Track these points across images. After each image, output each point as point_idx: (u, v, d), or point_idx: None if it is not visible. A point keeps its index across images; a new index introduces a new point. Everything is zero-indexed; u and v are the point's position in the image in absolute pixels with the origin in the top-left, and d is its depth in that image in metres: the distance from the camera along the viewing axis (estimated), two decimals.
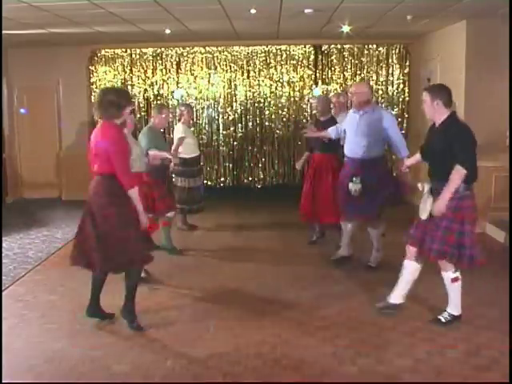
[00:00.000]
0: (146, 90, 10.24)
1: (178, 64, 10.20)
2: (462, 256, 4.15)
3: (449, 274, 4.33)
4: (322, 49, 10.04)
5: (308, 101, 10.18)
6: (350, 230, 5.85)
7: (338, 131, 6.06)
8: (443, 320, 4.37)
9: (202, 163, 8.83)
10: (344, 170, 5.71)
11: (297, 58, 10.10)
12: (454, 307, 4.40)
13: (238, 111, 10.32)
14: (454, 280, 4.34)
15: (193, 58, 10.16)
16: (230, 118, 10.33)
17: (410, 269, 4.44)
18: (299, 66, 10.11)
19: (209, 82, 10.22)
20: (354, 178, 5.42)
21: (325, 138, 6.19)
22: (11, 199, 9.81)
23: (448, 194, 4.06)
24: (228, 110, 10.31)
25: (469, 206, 4.13)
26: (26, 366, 3.76)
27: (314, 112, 9.32)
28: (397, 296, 4.53)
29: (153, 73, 10.22)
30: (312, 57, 10.08)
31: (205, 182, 9.86)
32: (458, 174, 4.01)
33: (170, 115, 10.12)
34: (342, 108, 6.80)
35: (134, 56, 10.16)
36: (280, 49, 10.09)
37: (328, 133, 6.15)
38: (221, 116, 10.34)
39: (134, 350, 3.99)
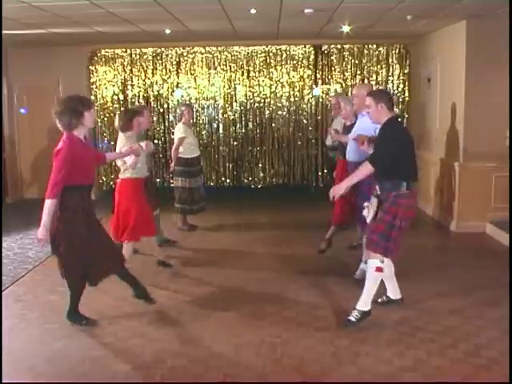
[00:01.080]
0: (146, 90, 10.24)
1: (178, 64, 10.20)
2: (387, 247, 4.27)
3: (375, 261, 4.33)
4: (322, 49, 10.04)
5: (309, 100, 10.19)
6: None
7: None
8: (353, 319, 4.35)
9: (202, 163, 8.84)
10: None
11: (297, 58, 10.11)
12: (363, 303, 4.36)
13: (238, 111, 10.33)
14: (378, 269, 4.33)
15: (193, 58, 10.17)
16: (230, 118, 10.33)
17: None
18: (299, 66, 10.12)
19: (209, 81, 10.23)
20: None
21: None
22: (11, 199, 9.81)
23: (349, 181, 4.40)
24: (228, 109, 10.32)
25: (405, 204, 4.27)
26: (26, 365, 3.77)
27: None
28: (394, 292, 4.64)
29: (153, 73, 10.23)
30: (312, 57, 10.09)
31: (205, 182, 9.87)
32: (365, 168, 4.30)
33: (171, 116, 10.24)
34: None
35: (133, 56, 10.17)
36: (280, 49, 10.09)
37: (347, 138, 5.91)
38: (221, 116, 10.35)
39: (134, 349, 3.99)
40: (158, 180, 10.26)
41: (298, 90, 10.21)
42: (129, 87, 10.26)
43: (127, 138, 5.42)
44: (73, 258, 4.18)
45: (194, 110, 10.09)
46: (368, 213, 4.50)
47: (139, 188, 5.49)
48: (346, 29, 7.31)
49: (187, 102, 9.62)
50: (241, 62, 10.18)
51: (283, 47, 10.07)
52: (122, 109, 9.53)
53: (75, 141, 4.15)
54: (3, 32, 7.27)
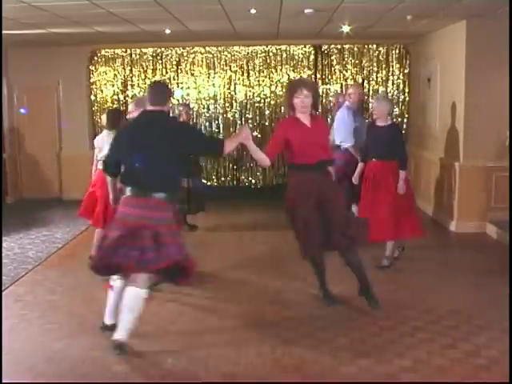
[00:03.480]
0: (146, 90, 10.23)
1: (178, 64, 10.20)
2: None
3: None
4: (322, 49, 10.04)
5: None
6: None
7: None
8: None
9: (201, 163, 8.84)
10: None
11: (297, 58, 10.10)
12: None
13: (238, 111, 10.32)
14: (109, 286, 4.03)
15: (193, 58, 10.16)
16: (230, 118, 10.33)
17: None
18: (299, 66, 10.12)
19: (209, 81, 10.23)
20: None
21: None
22: (11, 199, 9.80)
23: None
24: (228, 109, 10.32)
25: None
26: (26, 365, 3.76)
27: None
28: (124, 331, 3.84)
29: (153, 73, 10.23)
30: (312, 57, 10.08)
31: (205, 182, 9.87)
32: None
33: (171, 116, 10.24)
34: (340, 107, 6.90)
35: (133, 56, 10.16)
36: (280, 49, 10.09)
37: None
38: (221, 116, 10.34)
39: (134, 349, 3.99)
40: None
41: None
42: (129, 87, 10.26)
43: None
44: None
45: (194, 110, 10.12)
46: None
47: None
48: (346, 29, 7.31)
49: (186, 102, 9.61)
50: (241, 62, 10.18)
51: (283, 47, 10.06)
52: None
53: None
54: (3, 32, 7.26)
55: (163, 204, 3.78)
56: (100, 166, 5.44)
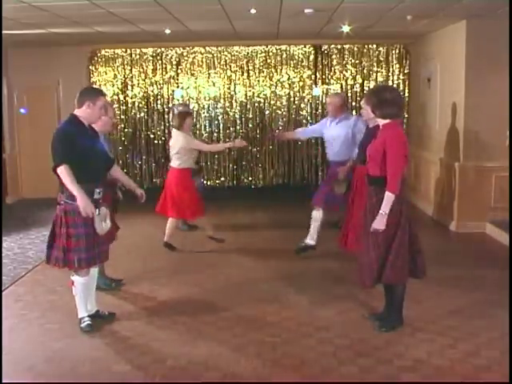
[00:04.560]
0: (146, 90, 10.24)
1: (178, 64, 10.20)
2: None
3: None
4: (322, 49, 10.05)
5: (309, 100, 10.20)
6: (321, 218, 6.14)
7: (310, 132, 6.96)
8: None
9: (201, 163, 8.83)
10: (331, 171, 6.20)
11: (297, 58, 10.11)
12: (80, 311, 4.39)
13: (238, 111, 10.32)
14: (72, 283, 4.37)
15: (193, 58, 10.17)
16: (230, 117, 10.33)
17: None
18: (299, 66, 10.13)
19: (208, 81, 10.23)
20: (338, 181, 5.88)
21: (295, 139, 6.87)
22: (11, 199, 9.80)
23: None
24: (228, 109, 10.32)
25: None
26: (25, 365, 3.76)
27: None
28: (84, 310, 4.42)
29: (153, 73, 10.23)
30: (312, 57, 10.10)
31: (205, 181, 9.87)
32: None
33: (171, 116, 10.23)
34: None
35: (133, 56, 10.17)
36: (280, 49, 10.10)
37: (295, 133, 7.09)
38: (221, 116, 10.35)
39: (133, 350, 3.99)
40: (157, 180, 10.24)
41: (298, 90, 10.21)
42: (129, 87, 10.26)
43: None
44: None
45: (194, 110, 10.11)
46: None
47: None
48: (346, 29, 7.32)
49: (186, 103, 9.59)
50: (241, 62, 10.18)
51: (283, 47, 10.07)
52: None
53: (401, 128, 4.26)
54: (3, 32, 7.27)
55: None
56: (172, 163, 6.52)
